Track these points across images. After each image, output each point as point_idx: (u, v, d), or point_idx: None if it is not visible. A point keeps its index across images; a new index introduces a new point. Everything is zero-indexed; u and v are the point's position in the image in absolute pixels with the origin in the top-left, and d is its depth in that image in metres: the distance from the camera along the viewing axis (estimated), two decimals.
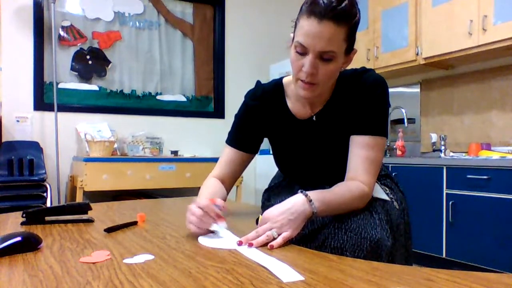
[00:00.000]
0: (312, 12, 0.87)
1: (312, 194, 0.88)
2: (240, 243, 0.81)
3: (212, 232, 0.90)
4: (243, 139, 1.16)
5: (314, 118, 1.08)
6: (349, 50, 0.96)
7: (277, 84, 1.14)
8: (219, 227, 0.88)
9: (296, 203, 0.85)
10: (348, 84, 1.04)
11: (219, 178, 1.16)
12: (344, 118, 1.05)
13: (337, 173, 1.07)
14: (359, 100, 1.01)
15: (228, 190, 1.17)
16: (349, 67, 1.08)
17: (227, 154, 1.17)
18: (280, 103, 1.12)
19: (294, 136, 1.11)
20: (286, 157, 1.16)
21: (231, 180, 1.17)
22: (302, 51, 0.92)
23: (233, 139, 1.17)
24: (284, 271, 0.65)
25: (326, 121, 1.07)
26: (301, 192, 0.88)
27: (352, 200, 0.93)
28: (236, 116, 1.18)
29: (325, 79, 0.95)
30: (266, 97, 1.13)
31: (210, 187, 1.10)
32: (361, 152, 0.99)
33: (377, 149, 0.99)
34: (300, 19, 0.92)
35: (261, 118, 1.14)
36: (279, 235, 0.82)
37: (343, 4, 0.87)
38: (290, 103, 1.11)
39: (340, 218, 0.92)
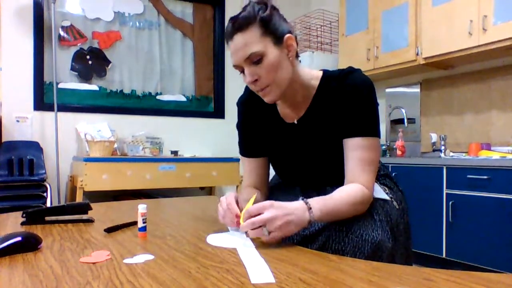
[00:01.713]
0: (226, 38, 0.98)
1: (313, 202, 0.87)
2: (237, 222, 0.88)
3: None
4: (250, 146, 1.18)
5: (295, 122, 1.08)
6: (278, 39, 0.96)
7: None
8: (232, 231, 0.96)
9: (296, 210, 0.84)
10: (333, 85, 1.03)
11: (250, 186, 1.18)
12: (329, 120, 1.04)
13: (329, 175, 1.07)
14: (346, 103, 1.00)
15: (265, 194, 1.18)
16: (344, 66, 1.08)
17: (245, 165, 1.20)
18: (270, 106, 1.12)
19: (282, 139, 1.12)
20: (278, 160, 1.17)
21: (261, 185, 1.18)
22: (240, 70, 0.99)
23: (242, 149, 1.20)
24: (258, 272, 0.65)
25: (310, 124, 1.06)
26: (302, 199, 0.88)
27: (354, 206, 0.92)
28: (236, 126, 1.21)
29: (271, 75, 0.96)
30: (256, 100, 1.13)
31: (246, 193, 1.12)
32: (356, 154, 0.98)
33: (372, 150, 0.99)
34: None
35: (255, 122, 1.15)
36: (269, 233, 0.82)
37: (241, 15, 0.94)
38: (279, 107, 1.12)
39: (341, 220, 0.92)
